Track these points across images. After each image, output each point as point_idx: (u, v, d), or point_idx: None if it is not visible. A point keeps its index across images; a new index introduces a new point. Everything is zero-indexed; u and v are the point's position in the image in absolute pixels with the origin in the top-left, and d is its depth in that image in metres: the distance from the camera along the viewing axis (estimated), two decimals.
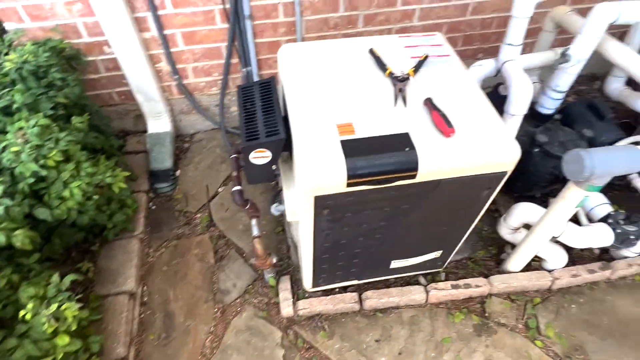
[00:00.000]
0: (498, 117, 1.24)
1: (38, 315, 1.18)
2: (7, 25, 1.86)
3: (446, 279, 1.86)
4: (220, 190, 2.28)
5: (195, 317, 1.79)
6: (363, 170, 1.11)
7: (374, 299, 1.74)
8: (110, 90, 2.23)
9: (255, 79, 2.30)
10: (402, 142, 1.15)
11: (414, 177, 1.14)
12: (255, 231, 1.58)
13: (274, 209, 1.52)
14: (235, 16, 1.99)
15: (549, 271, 1.84)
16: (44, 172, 1.35)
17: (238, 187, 1.56)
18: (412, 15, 2.24)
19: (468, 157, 1.15)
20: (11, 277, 1.30)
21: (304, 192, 1.15)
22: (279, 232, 2.07)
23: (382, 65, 1.36)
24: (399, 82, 1.29)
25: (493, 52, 2.52)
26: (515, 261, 1.80)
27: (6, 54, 1.65)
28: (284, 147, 1.27)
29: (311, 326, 1.75)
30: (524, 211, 1.69)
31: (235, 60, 2.23)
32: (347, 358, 1.67)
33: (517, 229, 1.80)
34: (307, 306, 1.74)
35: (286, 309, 1.73)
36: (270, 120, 1.26)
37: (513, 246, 1.91)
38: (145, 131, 2.41)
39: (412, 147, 1.13)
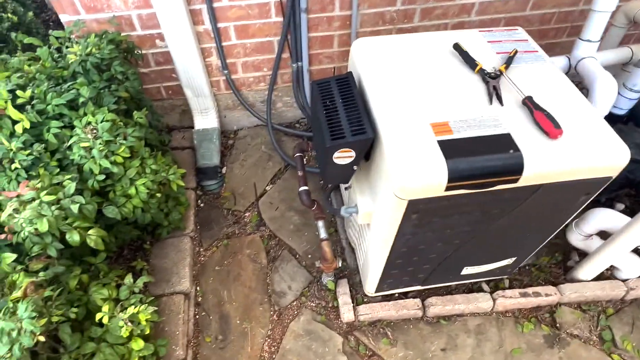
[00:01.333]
0: (602, 118, 1.16)
1: (114, 318, 1.14)
2: (62, 18, 1.81)
3: (510, 286, 1.78)
4: (268, 188, 2.22)
5: (252, 319, 1.73)
6: (465, 172, 1.03)
7: (439, 306, 1.67)
8: (158, 84, 2.18)
9: (305, 74, 2.23)
10: (504, 144, 1.07)
11: (516, 180, 1.07)
12: (322, 233, 1.52)
13: (344, 211, 1.45)
14: (291, 9, 1.92)
15: (623, 281, 1.74)
16: (114, 169, 1.30)
17: (305, 188, 1.50)
18: (470, 10, 2.15)
19: (576, 161, 1.07)
20: (81, 277, 1.25)
21: (396, 195, 1.07)
22: (331, 232, 2.01)
23: (470, 61, 1.27)
24: (491, 79, 1.21)
25: (550, 49, 2.42)
26: (588, 269, 1.70)
27: (66, 47, 1.61)
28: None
29: (373, 332, 1.68)
30: (602, 218, 1.60)
31: (285, 55, 2.16)
32: None
33: (590, 235, 1.71)
34: (369, 311, 1.67)
35: (347, 314, 1.67)
36: (355, 118, 1.19)
37: (581, 253, 1.82)
38: (190, 127, 2.36)
39: (517, 149, 1.05)
